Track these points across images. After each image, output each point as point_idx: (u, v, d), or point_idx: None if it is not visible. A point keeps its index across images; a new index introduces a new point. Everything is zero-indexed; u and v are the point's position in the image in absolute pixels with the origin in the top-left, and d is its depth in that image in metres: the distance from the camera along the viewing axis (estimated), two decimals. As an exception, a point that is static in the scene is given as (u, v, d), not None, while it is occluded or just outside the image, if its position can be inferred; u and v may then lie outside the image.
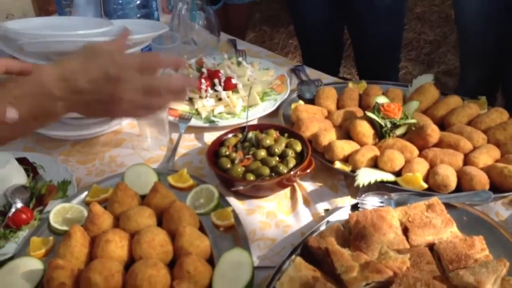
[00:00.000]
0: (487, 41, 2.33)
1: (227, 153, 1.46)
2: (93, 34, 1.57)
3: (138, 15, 1.95)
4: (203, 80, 1.76)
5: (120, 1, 1.96)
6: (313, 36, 2.71)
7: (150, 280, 1.12)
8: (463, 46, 2.59)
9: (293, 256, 1.18)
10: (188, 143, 1.65)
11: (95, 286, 1.11)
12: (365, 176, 1.34)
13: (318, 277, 1.11)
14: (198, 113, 1.72)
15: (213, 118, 1.69)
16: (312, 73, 1.94)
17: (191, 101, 1.77)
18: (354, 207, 1.30)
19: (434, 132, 1.44)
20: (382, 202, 1.30)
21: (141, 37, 1.63)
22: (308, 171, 1.40)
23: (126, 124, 1.75)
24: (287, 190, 1.44)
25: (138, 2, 1.93)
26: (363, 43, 2.67)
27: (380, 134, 1.50)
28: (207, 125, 1.67)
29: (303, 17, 2.63)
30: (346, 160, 1.45)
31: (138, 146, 1.65)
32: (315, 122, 1.56)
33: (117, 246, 1.21)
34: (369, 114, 1.51)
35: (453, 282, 1.07)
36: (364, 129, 1.48)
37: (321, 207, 1.36)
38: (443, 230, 1.20)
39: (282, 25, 4.87)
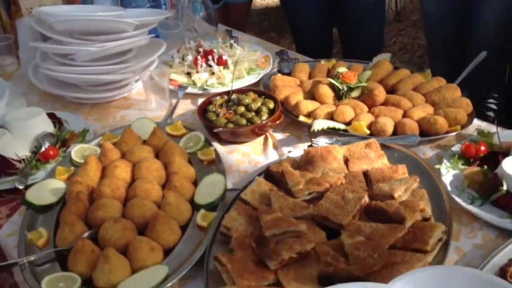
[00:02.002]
0: (447, 33, 2.64)
1: (214, 109, 1.82)
2: (109, 15, 1.95)
3: (148, 6, 2.33)
4: (199, 57, 2.13)
5: (133, -5, 2.36)
6: (305, 33, 3.04)
7: (146, 192, 1.47)
8: (428, 39, 2.90)
9: (257, 177, 1.52)
10: (184, 106, 2.01)
11: (105, 195, 1.47)
12: (320, 123, 1.68)
13: (273, 188, 1.45)
14: (194, 84, 2.08)
15: (206, 87, 2.05)
16: (294, 56, 2.28)
17: (189, 74, 2.14)
18: (310, 147, 1.64)
19: (380, 93, 1.78)
20: (332, 143, 1.64)
21: (148, 19, 2.01)
22: (278, 122, 1.75)
23: (135, 92, 2.11)
24: (261, 139, 1.78)
25: (148, -5, 2.32)
26: (350, 40, 2.99)
27: (338, 96, 1.84)
28: (201, 92, 2.03)
29: (295, 16, 2.98)
30: (309, 115, 1.79)
31: (144, 108, 2.01)
32: (288, 87, 1.91)
33: (122, 170, 1.57)
34: (330, 80, 1.85)
35: (374, 192, 1.40)
36: (325, 92, 1.83)
37: (286, 150, 1.70)
38: (376, 161, 1.53)
39: (287, 32, 5.23)
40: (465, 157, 1.52)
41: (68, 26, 1.93)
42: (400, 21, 5.02)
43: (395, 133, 1.67)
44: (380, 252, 1.20)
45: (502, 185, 1.34)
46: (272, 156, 1.69)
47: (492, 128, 1.65)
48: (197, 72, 2.12)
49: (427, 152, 1.64)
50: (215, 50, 2.17)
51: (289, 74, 2.08)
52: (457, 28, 2.56)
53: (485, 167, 1.45)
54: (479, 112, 2.11)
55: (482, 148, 1.51)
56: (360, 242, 1.23)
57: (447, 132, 1.64)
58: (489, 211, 1.35)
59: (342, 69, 1.91)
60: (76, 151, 1.72)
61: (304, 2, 2.87)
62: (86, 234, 1.37)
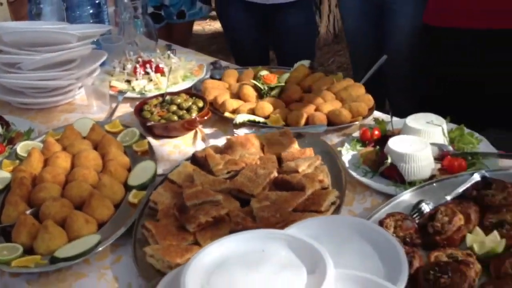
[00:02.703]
0: (365, 43, 2.95)
1: (149, 108, 2.02)
2: (54, 27, 2.15)
3: (91, 21, 2.54)
4: (138, 66, 2.34)
5: (78, 12, 2.56)
6: (242, 47, 3.28)
7: (84, 176, 1.66)
8: (350, 51, 3.21)
9: (184, 161, 1.73)
10: (124, 109, 2.20)
11: (46, 180, 1.64)
12: (242, 117, 1.92)
13: (197, 169, 1.66)
14: (133, 89, 2.29)
15: (144, 92, 2.26)
16: (226, 65, 2.53)
17: (128, 82, 2.34)
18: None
19: (296, 91, 2.04)
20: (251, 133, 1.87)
21: (90, 31, 2.22)
22: (206, 118, 1.97)
23: (78, 98, 2.30)
24: (192, 133, 1.99)
25: (91, 11, 2.53)
26: (282, 55, 3.25)
27: (261, 95, 2.08)
28: (139, 96, 2.24)
29: (232, 32, 3.23)
30: (234, 112, 2.01)
31: (87, 112, 2.20)
32: (217, 89, 2.14)
33: (63, 160, 1.75)
34: (253, 81, 2.09)
35: (283, 169, 1.63)
36: (249, 91, 2.07)
37: (214, 142, 1.92)
38: (288, 146, 1.76)
39: (233, 53, 5.51)
40: (363, 140, 1.77)
41: (16, 37, 2.12)
42: (338, 43, 5.38)
43: (307, 124, 1.92)
44: (282, 212, 1.42)
45: (387, 159, 1.59)
46: (200, 147, 1.90)
47: (389, 118, 1.91)
48: (136, 79, 2.32)
49: (334, 139, 1.89)
50: (153, 60, 2.38)
51: (220, 79, 2.31)
52: (374, 40, 2.86)
53: (378, 147, 1.70)
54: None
55: (376, 132, 1.77)
56: (266, 205, 1.45)
57: (351, 122, 1.90)
58: (378, 181, 1.60)
59: (264, 73, 2.15)
60: (21, 147, 1.88)
61: (240, 21, 3.12)
62: (28, 212, 1.54)
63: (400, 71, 2.78)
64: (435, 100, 2.35)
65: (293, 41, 3.05)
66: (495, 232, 1.31)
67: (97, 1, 2.61)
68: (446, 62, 2.38)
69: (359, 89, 2.05)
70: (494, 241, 1.29)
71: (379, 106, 2.06)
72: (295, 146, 1.77)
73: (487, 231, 1.34)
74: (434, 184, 1.52)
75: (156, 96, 2.11)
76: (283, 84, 2.10)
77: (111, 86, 2.27)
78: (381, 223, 1.39)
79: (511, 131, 2.32)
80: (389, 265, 1.17)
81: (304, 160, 1.63)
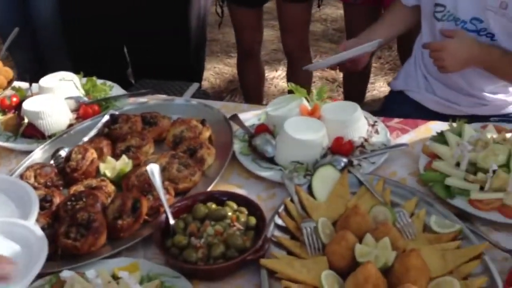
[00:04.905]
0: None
1: None
2: None
3: None
4: None
5: None
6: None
7: None
8: None
9: None
10: None
11: None
12: None
13: None
14: None
15: None
16: None
17: None
18: None
19: None
20: None
21: None
22: None
23: None
24: None
25: None
26: None
27: None
28: None
29: None
30: None
31: None
32: None
33: None
34: None
35: None
36: None
37: None
38: None
39: None
40: (2, 109, 1.80)
41: None
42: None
43: None
44: None
45: (24, 120, 1.66)
46: None
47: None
48: None
49: None
50: None
51: None
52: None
53: (16, 112, 1.76)
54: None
55: (15, 99, 1.82)
56: None
57: None
58: (21, 142, 1.66)
59: None
60: None
61: None
62: None
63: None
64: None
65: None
66: (124, 156, 1.52)
67: None
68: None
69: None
70: (123, 163, 1.50)
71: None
72: None
73: (118, 157, 1.54)
74: (72, 132, 1.66)
75: None
76: None
77: None
78: (21, 176, 1.47)
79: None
80: (23, 207, 1.26)
81: None
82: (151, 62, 2.67)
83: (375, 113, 1.72)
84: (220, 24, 2.97)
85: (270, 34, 4.40)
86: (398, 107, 2.06)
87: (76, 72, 1.88)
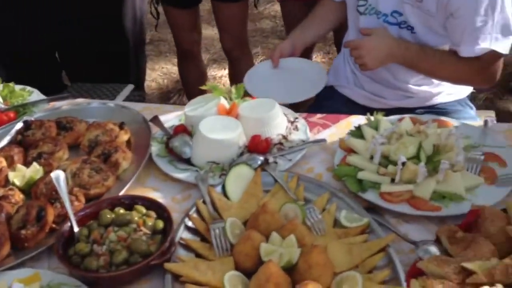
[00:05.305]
0: None
1: None
2: None
3: None
4: None
5: None
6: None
7: None
8: None
9: None
10: None
11: None
12: None
13: None
14: None
15: None
16: None
17: None
18: None
19: None
20: None
21: None
22: None
23: None
24: None
25: None
26: None
27: None
28: None
29: None
30: None
31: None
32: None
33: None
34: None
35: None
36: None
37: None
38: None
39: None
40: None
41: None
42: None
43: None
44: None
45: None
46: None
47: None
48: None
49: None
50: None
51: None
52: None
53: None
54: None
55: None
56: None
57: None
58: None
59: None
60: None
61: None
62: None
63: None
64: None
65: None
66: (35, 163, 1.48)
67: None
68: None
69: None
70: (33, 171, 1.46)
71: None
72: None
73: (30, 165, 1.49)
74: None
75: None
76: None
77: None
78: None
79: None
80: None
81: None
82: (87, 66, 2.61)
83: (307, 110, 1.71)
84: (156, 26, 2.92)
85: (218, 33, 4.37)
86: (329, 103, 2.07)
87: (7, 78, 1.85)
